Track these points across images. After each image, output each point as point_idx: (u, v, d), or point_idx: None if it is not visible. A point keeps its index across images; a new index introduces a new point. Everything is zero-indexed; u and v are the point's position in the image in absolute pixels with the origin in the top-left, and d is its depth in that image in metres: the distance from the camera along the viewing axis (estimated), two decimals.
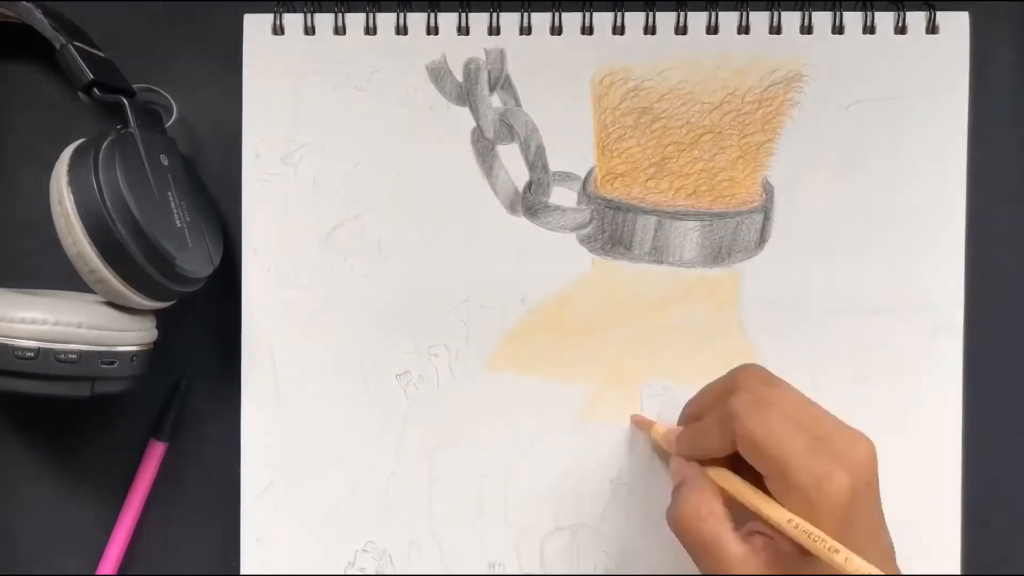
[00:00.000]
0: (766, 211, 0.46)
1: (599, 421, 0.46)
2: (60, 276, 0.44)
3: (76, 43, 0.43)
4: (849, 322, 0.46)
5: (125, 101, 0.43)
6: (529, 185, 0.46)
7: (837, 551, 0.34)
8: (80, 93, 0.43)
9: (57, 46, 0.43)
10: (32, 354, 0.40)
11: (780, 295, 0.46)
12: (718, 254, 0.46)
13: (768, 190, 0.46)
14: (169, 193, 0.42)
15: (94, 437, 0.48)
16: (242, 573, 0.46)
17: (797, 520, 0.35)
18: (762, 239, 0.46)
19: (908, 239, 0.46)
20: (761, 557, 0.37)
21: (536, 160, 0.46)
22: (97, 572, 0.47)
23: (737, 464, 0.39)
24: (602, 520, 0.46)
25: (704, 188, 0.46)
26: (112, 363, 0.42)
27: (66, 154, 0.41)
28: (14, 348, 0.40)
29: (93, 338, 0.41)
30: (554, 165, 0.46)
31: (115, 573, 0.47)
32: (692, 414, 0.43)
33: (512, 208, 0.46)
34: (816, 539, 0.35)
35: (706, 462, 0.40)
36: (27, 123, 0.47)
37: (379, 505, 0.46)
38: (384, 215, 0.46)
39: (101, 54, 0.45)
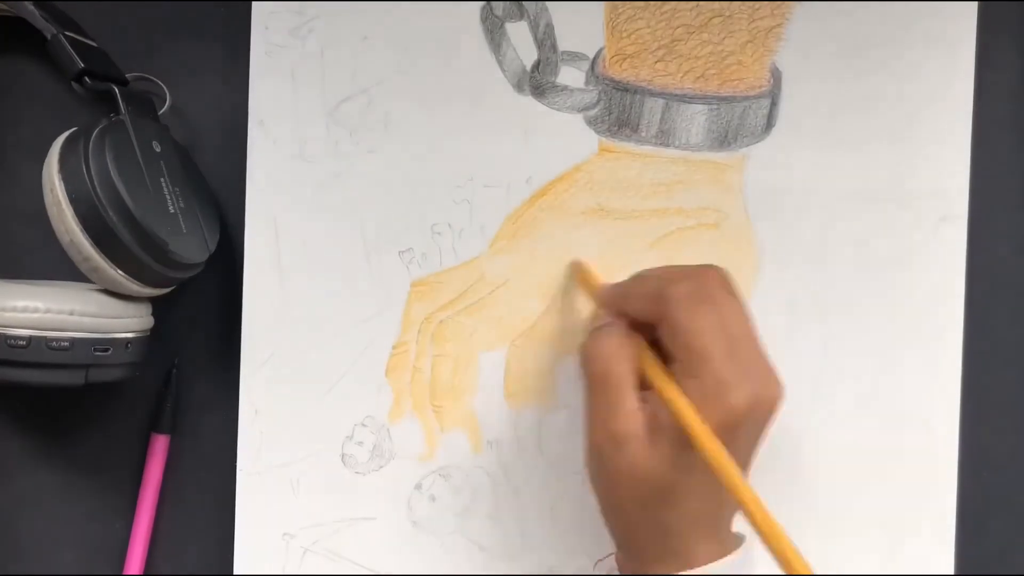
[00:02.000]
0: (773, 97, 0.46)
1: None
2: (58, 267, 0.44)
3: (67, 33, 0.43)
4: (853, 209, 0.46)
5: (116, 89, 0.43)
6: (537, 64, 0.46)
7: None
8: (72, 82, 0.43)
9: (48, 36, 0.43)
10: (24, 342, 0.40)
11: (785, 181, 0.46)
12: (724, 138, 0.46)
13: (776, 76, 0.46)
14: (162, 179, 0.42)
15: (91, 427, 0.47)
16: (239, 481, 0.46)
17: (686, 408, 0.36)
18: (769, 124, 0.46)
19: (914, 127, 0.46)
20: (645, 419, 0.37)
21: (545, 39, 0.46)
22: (124, 573, 0.46)
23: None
24: None
25: (712, 72, 0.46)
26: (106, 350, 0.41)
27: (57, 143, 0.40)
28: (6, 337, 0.40)
29: (86, 325, 0.41)
30: (563, 44, 0.46)
31: (142, 573, 0.47)
32: (622, 283, 0.42)
33: (519, 87, 0.46)
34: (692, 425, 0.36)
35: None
36: (24, 115, 0.47)
37: (378, 380, 0.46)
38: (391, 90, 0.46)
39: (93, 43, 0.44)
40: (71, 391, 0.43)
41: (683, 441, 0.36)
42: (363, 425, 0.46)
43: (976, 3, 0.46)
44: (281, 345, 0.46)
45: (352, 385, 0.46)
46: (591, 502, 0.46)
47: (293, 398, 0.46)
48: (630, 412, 0.38)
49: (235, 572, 0.46)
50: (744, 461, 0.38)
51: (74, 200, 0.39)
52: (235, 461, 0.46)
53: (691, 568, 0.37)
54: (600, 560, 0.46)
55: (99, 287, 0.42)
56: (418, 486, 0.46)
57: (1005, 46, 0.47)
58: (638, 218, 0.46)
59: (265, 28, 0.46)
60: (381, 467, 0.46)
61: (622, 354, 0.39)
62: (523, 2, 0.46)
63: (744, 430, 0.37)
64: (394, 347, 0.46)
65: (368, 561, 0.46)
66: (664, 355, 0.38)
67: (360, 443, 0.46)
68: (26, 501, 0.47)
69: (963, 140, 0.46)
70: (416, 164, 0.46)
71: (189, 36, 0.47)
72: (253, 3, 0.46)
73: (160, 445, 0.46)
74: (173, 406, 0.47)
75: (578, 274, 0.46)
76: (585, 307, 0.46)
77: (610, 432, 0.38)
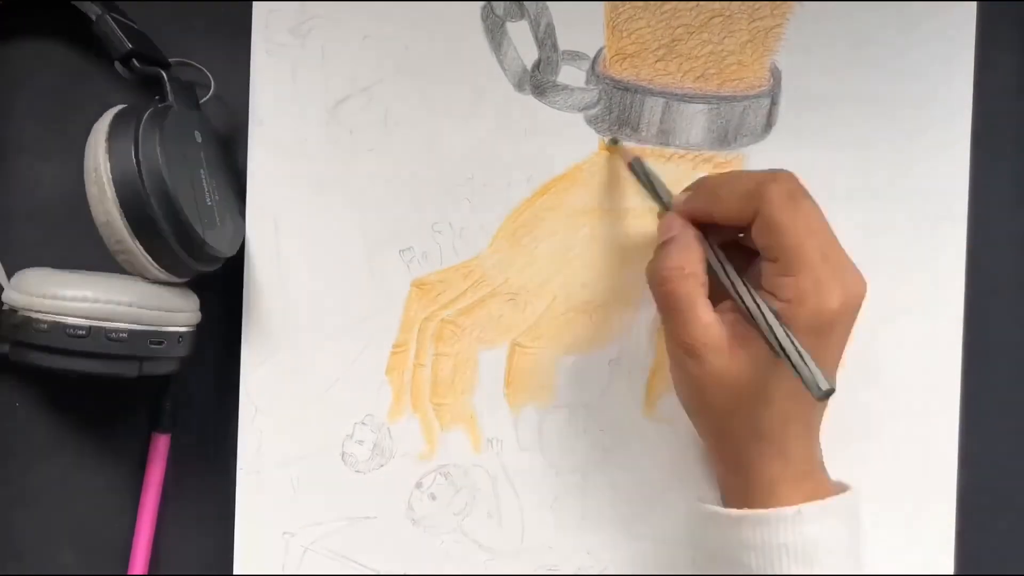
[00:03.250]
0: (773, 96, 0.46)
1: (601, 301, 0.46)
2: (57, 264, 0.44)
3: (113, 14, 0.42)
4: (853, 209, 0.46)
5: (164, 74, 0.42)
6: (538, 63, 0.46)
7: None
8: (117, 64, 0.43)
9: (93, 17, 0.42)
10: (83, 332, 0.40)
11: None
12: (725, 138, 0.46)
13: (776, 75, 0.46)
14: (201, 171, 0.42)
15: (91, 427, 0.47)
16: (239, 478, 0.46)
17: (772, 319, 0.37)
18: (769, 124, 0.46)
19: (913, 127, 0.46)
20: (726, 329, 0.39)
21: (545, 38, 0.46)
22: (129, 574, 0.46)
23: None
24: (601, 398, 0.46)
25: (712, 71, 0.46)
26: (160, 343, 0.41)
27: (104, 121, 0.40)
28: (66, 326, 0.40)
29: (143, 317, 0.41)
30: (563, 44, 0.46)
31: (146, 574, 0.46)
32: (713, 177, 0.43)
33: (520, 86, 0.46)
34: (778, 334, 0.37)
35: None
36: (28, 105, 0.46)
37: (378, 379, 0.46)
38: (391, 89, 0.46)
39: (136, 26, 0.44)
40: (122, 382, 0.42)
41: (767, 351, 0.38)
42: (363, 424, 0.46)
43: (976, 3, 0.46)
44: (281, 344, 0.46)
45: (352, 384, 0.46)
46: (592, 501, 0.46)
47: (293, 397, 0.46)
48: (705, 326, 0.39)
49: (235, 571, 0.46)
50: (836, 358, 0.40)
51: (118, 182, 0.39)
52: (235, 460, 0.46)
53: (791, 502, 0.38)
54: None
55: (153, 280, 0.42)
56: (418, 484, 0.46)
57: (1005, 46, 0.47)
58: (638, 217, 0.46)
59: (266, 27, 0.46)
60: (381, 466, 0.46)
61: (688, 270, 0.39)
62: (524, 2, 0.46)
63: (837, 328, 0.38)
64: (394, 346, 0.46)
65: (368, 560, 0.46)
66: (742, 257, 0.40)
67: (360, 442, 0.46)
68: (26, 501, 0.47)
69: (962, 140, 0.46)
70: (416, 163, 0.46)
71: (189, 35, 0.46)
72: (254, 2, 0.46)
73: (161, 444, 0.46)
74: (173, 404, 0.47)
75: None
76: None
77: (686, 346, 0.39)
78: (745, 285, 0.39)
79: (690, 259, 0.40)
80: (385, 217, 0.46)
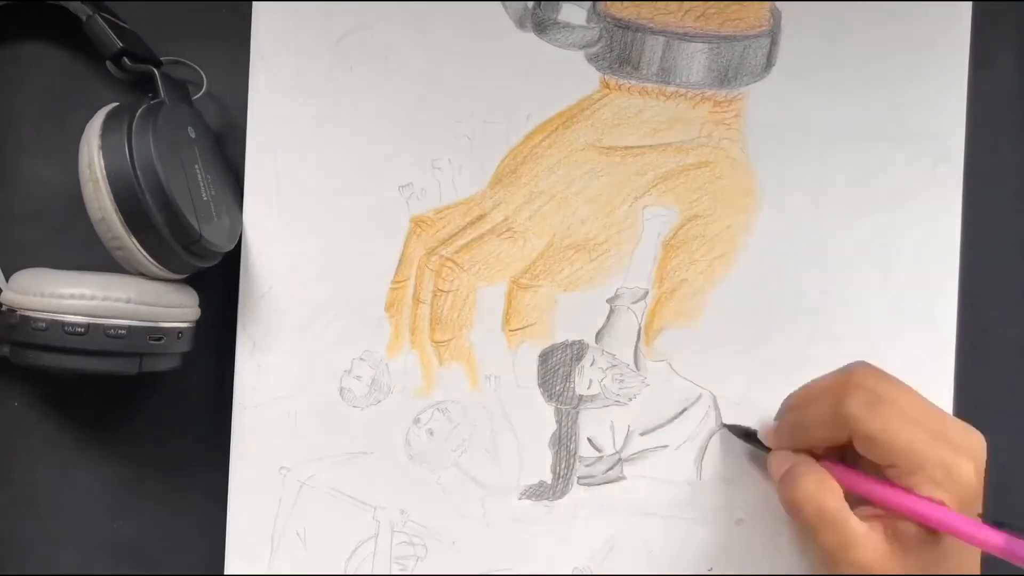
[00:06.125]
0: (773, 36, 0.46)
1: (600, 239, 0.46)
2: (56, 265, 0.43)
3: (103, 14, 0.43)
4: (851, 150, 0.46)
5: (155, 71, 0.43)
6: (539, 1, 0.46)
7: None
8: (109, 63, 0.43)
9: (84, 17, 0.42)
10: (82, 330, 0.40)
11: (784, 120, 0.46)
12: (725, 77, 0.46)
13: (776, 15, 0.46)
14: (196, 166, 0.42)
15: (90, 427, 0.47)
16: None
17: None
18: (769, 64, 0.46)
19: (913, 68, 0.46)
20: (882, 534, 0.38)
21: None
22: None
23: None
24: (600, 336, 0.46)
25: (713, 10, 0.46)
26: (159, 339, 0.42)
27: (98, 119, 0.40)
28: (64, 324, 0.40)
29: (141, 313, 0.41)
30: None
31: None
32: (794, 406, 0.43)
33: (521, 23, 0.46)
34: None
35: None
36: (23, 107, 0.46)
37: (377, 315, 0.46)
38: (393, 25, 0.46)
39: (126, 25, 0.44)
40: (123, 380, 0.43)
41: (927, 536, 0.38)
42: (361, 359, 0.46)
43: None
44: (280, 279, 0.46)
45: (351, 319, 0.46)
46: (586, 438, 0.46)
47: (291, 331, 0.46)
48: (866, 538, 0.38)
49: (230, 503, 0.46)
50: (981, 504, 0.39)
51: (112, 178, 0.39)
52: (232, 395, 0.46)
53: None
54: None
55: (151, 277, 0.42)
56: (416, 420, 0.46)
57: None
58: (638, 155, 0.46)
59: None
60: (379, 401, 0.46)
61: (827, 486, 0.39)
62: None
63: (980, 489, 0.38)
64: (393, 282, 0.46)
65: (365, 495, 0.46)
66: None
67: (358, 377, 0.46)
68: (26, 501, 0.47)
69: (960, 80, 0.46)
70: (416, 99, 0.46)
71: (182, 30, 0.46)
72: None
73: None
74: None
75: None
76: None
77: (858, 563, 0.38)
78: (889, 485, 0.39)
79: (823, 478, 0.39)
80: (385, 153, 0.46)
